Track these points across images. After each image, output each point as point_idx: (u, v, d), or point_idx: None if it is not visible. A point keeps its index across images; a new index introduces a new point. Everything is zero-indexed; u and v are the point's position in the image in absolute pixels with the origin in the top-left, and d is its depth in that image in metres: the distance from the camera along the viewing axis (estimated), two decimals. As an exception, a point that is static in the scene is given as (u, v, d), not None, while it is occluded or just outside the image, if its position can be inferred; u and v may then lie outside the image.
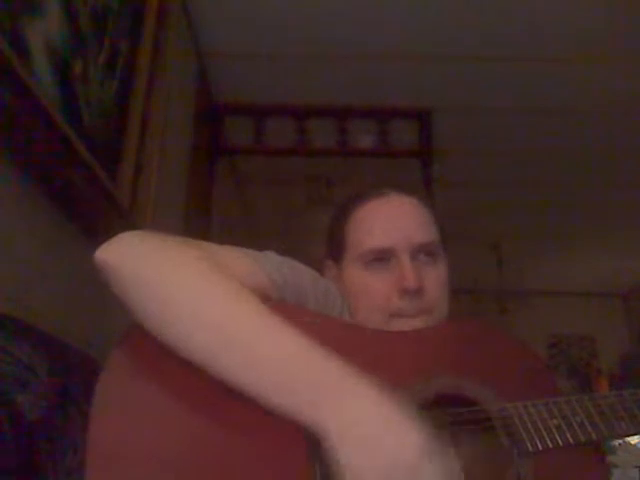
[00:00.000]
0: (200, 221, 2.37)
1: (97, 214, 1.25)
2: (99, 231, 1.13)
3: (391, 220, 0.82)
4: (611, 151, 2.83)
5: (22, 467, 0.73)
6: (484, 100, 2.52)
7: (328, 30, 2.15)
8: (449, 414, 0.67)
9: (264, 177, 3.03)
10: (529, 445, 0.64)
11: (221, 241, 0.75)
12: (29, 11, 1.00)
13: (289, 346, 0.58)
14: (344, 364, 0.57)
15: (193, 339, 0.60)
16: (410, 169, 2.55)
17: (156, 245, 0.67)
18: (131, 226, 1.41)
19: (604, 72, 2.32)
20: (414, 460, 0.52)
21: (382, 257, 0.80)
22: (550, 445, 0.65)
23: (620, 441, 1.59)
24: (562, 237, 3.94)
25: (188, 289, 0.62)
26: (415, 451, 0.53)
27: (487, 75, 2.38)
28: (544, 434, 0.65)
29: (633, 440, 1.62)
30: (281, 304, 0.71)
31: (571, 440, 0.65)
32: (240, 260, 0.73)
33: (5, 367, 0.75)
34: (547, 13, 2.03)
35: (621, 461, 1.56)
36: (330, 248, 0.89)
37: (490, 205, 3.44)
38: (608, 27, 2.08)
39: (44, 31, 1.05)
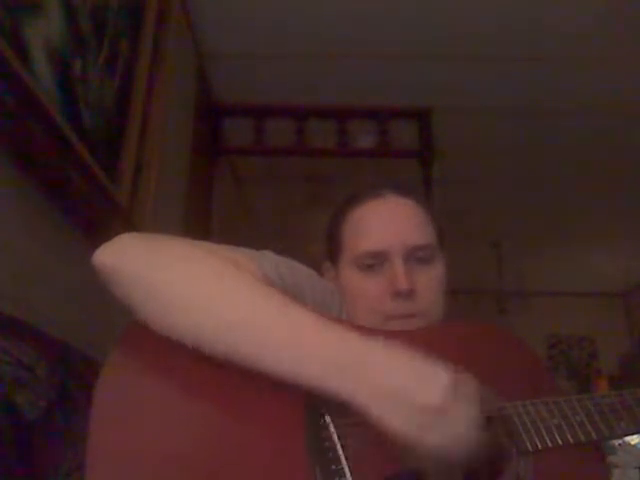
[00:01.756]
0: (200, 221, 2.37)
1: (97, 214, 1.25)
2: (99, 231, 1.14)
3: (386, 222, 0.82)
4: (611, 151, 2.83)
5: (22, 467, 0.73)
6: (484, 100, 2.52)
7: (328, 30, 2.15)
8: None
9: (264, 177, 3.03)
10: (528, 444, 0.64)
11: (221, 241, 0.75)
12: (29, 11, 1.00)
13: (306, 322, 0.60)
14: (359, 332, 0.60)
15: (208, 331, 0.60)
16: (410, 169, 2.55)
17: (155, 246, 0.67)
18: (131, 226, 1.41)
19: (604, 72, 2.32)
20: (440, 400, 0.55)
21: (376, 260, 0.80)
22: (550, 444, 0.64)
23: (620, 441, 1.59)
24: (562, 237, 3.94)
25: (194, 282, 0.62)
26: (440, 392, 0.55)
27: (487, 75, 2.38)
28: (544, 433, 0.65)
29: (633, 440, 1.62)
30: None
31: (571, 440, 0.65)
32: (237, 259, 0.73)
33: (5, 367, 0.75)
34: (547, 13, 2.03)
35: (621, 461, 1.55)
36: (328, 249, 0.89)
37: (490, 205, 3.44)
38: (608, 27, 2.08)
39: (44, 31, 1.05)
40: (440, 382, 0.56)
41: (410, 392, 0.56)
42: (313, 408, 0.61)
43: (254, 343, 0.59)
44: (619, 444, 1.57)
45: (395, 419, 0.55)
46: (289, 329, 0.59)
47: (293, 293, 0.76)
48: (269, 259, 0.77)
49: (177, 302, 0.61)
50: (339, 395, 0.57)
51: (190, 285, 0.62)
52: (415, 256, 0.80)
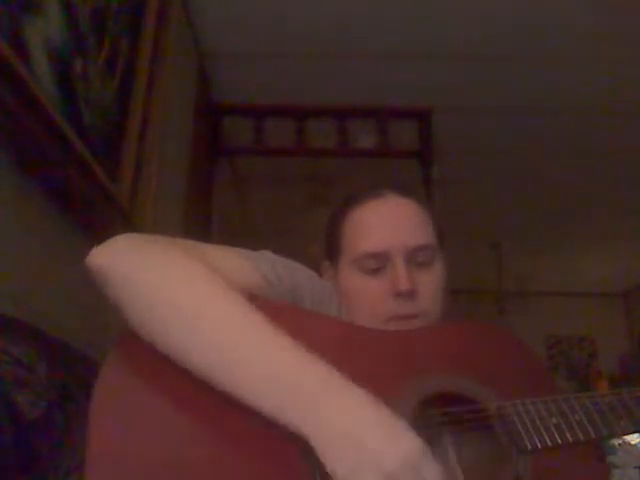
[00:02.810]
0: (200, 221, 2.37)
1: (97, 214, 1.25)
2: (99, 231, 1.13)
3: (386, 223, 0.82)
4: (611, 151, 2.83)
5: (22, 467, 0.73)
6: (484, 100, 2.52)
7: (328, 30, 2.15)
8: (448, 413, 0.67)
9: (264, 177, 3.03)
10: (528, 444, 0.64)
11: (221, 241, 0.75)
12: (29, 11, 1.00)
13: (271, 348, 0.58)
14: (330, 369, 0.57)
15: (174, 339, 0.60)
16: (410, 169, 2.55)
17: (147, 248, 0.67)
18: (131, 226, 1.41)
19: (604, 72, 2.32)
20: (395, 469, 0.51)
21: (377, 260, 0.79)
22: (549, 444, 0.65)
23: (620, 441, 1.59)
24: (562, 237, 3.95)
25: (173, 292, 0.62)
26: (396, 460, 0.51)
27: (487, 75, 2.38)
28: (543, 433, 0.65)
29: (633, 440, 1.62)
30: (270, 303, 0.70)
31: (570, 439, 0.65)
32: (234, 260, 0.73)
33: (5, 367, 0.75)
34: (547, 13, 2.03)
35: (621, 461, 1.55)
36: (327, 249, 0.89)
37: (490, 205, 3.44)
38: (608, 27, 2.08)
39: (44, 31, 1.05)
40: (404, 448, 0.52)
41: (364, 447, 0.52)
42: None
43: (221, 368, 0.58)
44: (619, 444, 1.57)
45: (342, 470, 0.51)
46: (254, 349, 0.58)
47: (291, 292, 0.76)
48: (267, 259, 0.77)
49: (159, 313, 0.61)
50: (289, 425, 0.55)
51: (174, 298, 0.61)
52: (416, 257, 0.79)
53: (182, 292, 0.62)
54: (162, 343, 0.60)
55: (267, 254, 0.79)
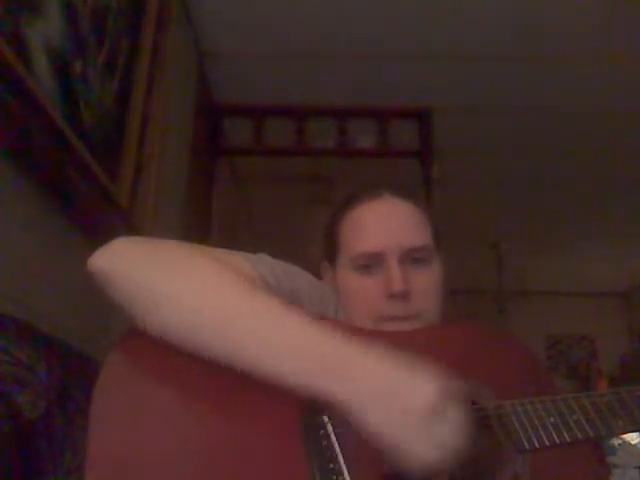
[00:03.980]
0: (200, 221, 2.37)
1: (97, 214, 1.25)
2: (99, 231, 1.14)
3: (382, 224, 0.82)
4: (611, 151, 2.83)
5: (22, 467, 0.73)
6: (484, 100, 2.52)
7: (328, 30, 2.15)
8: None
9: (264, 177, 3.03)
10: (526, 443, 0.65)
11: (221, 241, 0.75)
12: (29, 11, 1.00)
13: (294, 324, 0.60)
14: (350, 335, 0.60)
15: (200, 332, 0.60)
16: (410, 169, 2.55)
17: (149, 250, 0.68)
18: (131, 226, 1.41)
19: (604, 72, 2.32)
20: (427, 408, 0.54)
21: (372, 261, 0.80)
22: (547, 443, 0.65)
23: (620, 441, 1.59)
24: (562, 237, 3.95)
25: (185, 285, 0.62)
26: (427, 399, 0.55)
27: (487, 75, 2.38)
28: (541, 432, 0.65)
29: (633, 440, 1.62)
30: None
31: (568, 438, 0.65)
32: (233, 262, 0.73)
33: (5, 367, 0.75)
34: (547, 13, 2.03)
35: (621, 461, 1.56)
36: (326, 249, 0.89)
37: (490, 205, 3.44)
38: (608, 27, 2.08)
39: (44, 31, 1.05)
40: (428, 387, 0.56)
41: (394, 393, 0.55)
42: (311, 407, 0.61)
43: (244, 345, 0.59)
44: (619, 444, 1.57)
45: (375, 419, 0.55)
46: (273, 328, 0.60)
47: (289, 295, 0.76)
48: (266, 262, 0.77)
49: (172, 306, 0.61)
50: (321, 394, 0.57)
51: (185, 289, 0.62)
52: (411, 257, 0.80)
53: (192, 287, 0.62)
54: (181, 340, 0.61)
55: (265, 257, 0.79)
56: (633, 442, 1.61)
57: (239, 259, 0.74)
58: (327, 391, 0.56)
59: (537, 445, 0.64)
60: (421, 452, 0.54)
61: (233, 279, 0.64)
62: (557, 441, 0.65)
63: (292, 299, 0.76)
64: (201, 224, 2.39)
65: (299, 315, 0.61)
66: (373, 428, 0.55)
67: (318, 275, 0.87)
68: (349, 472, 0.57)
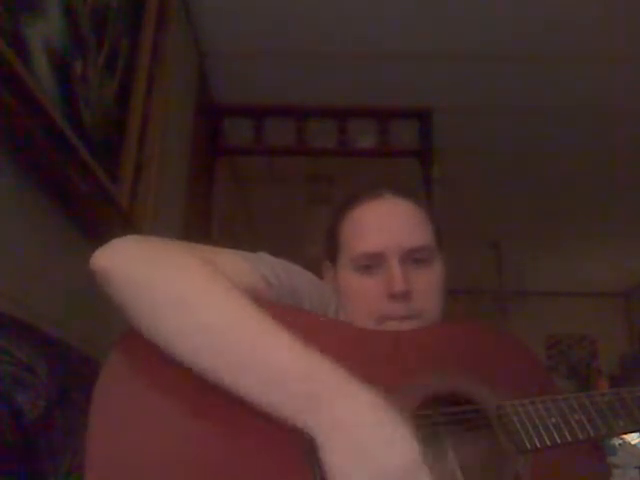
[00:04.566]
0: (200, 221, 2.37)
1: (97, 214, 1.25)
2: (99, 231, 1.14)
3: (382, 224, 0.82)
4: (611, 151, 2.83)
5: (22, 467, 0.73)
6: (484, 100, 2.52)
7: (328, 30, 2.15)
8: (447, 413, 0.67)
9: (264, 177, 3.03)
10: (527, 444, 0.64)
11: (221, 241, 0.75)
12: (29, 11, 1.00)
13: (281, 347, 0.58)
14: (336, 366, 0.57)
15: (183, 340, 0.60)
16: (410, 169, 2.55)
17: (149, 249, 0.68)
18: (131, 226, 1.41)
19: (604, 72, 2.32)
20: (400, 472, 0.52)
21: (373, 261, 0.79)
22: (548, 444, 0.65)
23: (620, 441, 1.59)
24: (562, 237, 3.95)
25: (179, 290, 0.62)
26: (402, 462, 0.52)
27: (487, 75, 2.38)
28: (542, 433, 0.65)
29: (633, 440, 1.62)
30: (273, 304, 0.70)
31: (569, 438, 0.65)
32: (234, 262, 0.73)
33: (5, 367, 0.75)
34: (547, 13, 2.03)
35: (621, 461, 1.56)
36: (327, 249, 0.89)
37: (490, 205, 3.44)
38: (608, 27, 2.08)
39: (44, 31, 1.05)
40: (405, 452, 0.53)
41: (372, 450, 0.53)
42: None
43: (225, 364, 0.58)
44: (619, 444, 1.57)
45: (351, 473, 0.52)
46: (264, 349, 0.58)
47: (290, 295, 0.76)
48: (266, 261, 0.77)
49: (161, 308, 0.61)
50: (293, 422, 0.55)
51: (176, 292, 0.62)
52: (412, 257, 0.79)
53: (188, 293, 0.62)
54: (167, 344, 0.60)
55: (265, 256, 0.79)
56: (633, 442, 1.61)
57: (239, 260, 0.74)
58: (299, 422, 0.55)
59: (538, 445, 0.64)
60: None
61: (221, 289, 0.62)
62: (558, 441, 0.65)
63: (293, 298, 0.76)
64: (201, 224, 2.39)
65: (285, 338, 0.59)
66: (342, 473, 0.52)
67: (318, 274, 0.87)
68: None
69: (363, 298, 0.80)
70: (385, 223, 0.82)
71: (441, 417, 0.66)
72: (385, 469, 0.52)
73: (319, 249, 0.94)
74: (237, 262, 0.73)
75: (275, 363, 0.57)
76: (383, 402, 0.56)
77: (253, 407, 0.57)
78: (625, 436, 1.54)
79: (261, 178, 3.06)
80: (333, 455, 0.53)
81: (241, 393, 0.57)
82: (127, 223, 1.40)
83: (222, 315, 0.60)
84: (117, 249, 0.66)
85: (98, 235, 0.70)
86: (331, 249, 0.87)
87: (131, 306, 0.62)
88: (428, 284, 0.80)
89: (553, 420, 0.66)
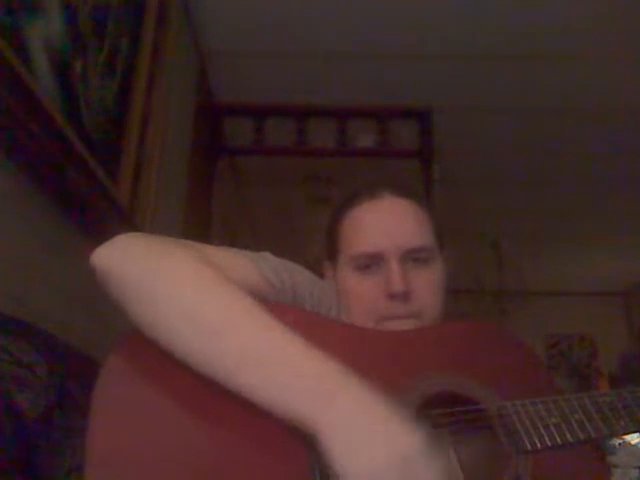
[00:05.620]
0: (200, 221, 2.37)
1: (97, 214, 1.25)
2: (99, 231, 1.13)
3: (382, 224, 0.82)
4: (611, 151, 2.83)
5: (22, 467, 0.73)
6: (484, 100, 2.52)
7: (328, 30, 2.15)
8: (448, 413, 0.67)
9: (264, 177, 3.03)
10: (528, 444, 0.64)
11: (221, 241, 0.75)
12: (29, 11, 1.00)
13: (282, 346, 0.58)
14: (338, 364, 0.57)
15: (183, 338, 0.60)
16: (410, 169, 2.55)
17: (148, 246, 0.67)
18: (131, 226, 1.41)
19: (604, 72, 2.32)
20: (404, 462, 0.51)
21: (372, 261, 0.79)
22: (549, 444, 0.64)
23: (620, 441, 1.59)
24: (562, 237, 3.95)
25: (177, 288, 0.62)
26: (406, 452, 0.52)
27: (487, 75, 2.38)
28: (543, 433, 0.65)
29: (633, 440, 1.61)
30: (274, 304, 0.70)
31: (570, 439, 0.65)
32: (236, 261, 0.73)
33: (5, 367, 0.75)
34: (547, 13, 2.03)
35: (621, 461, 1.55)
36: (327, 249, 0.89)
37: (490, 205, 3.44)
38: (608, 27, 2.08)
39: (44, 31, 1.05)
40: (402, 440, 0.53)
41: (375, 445, 0.52)
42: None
43: (228, 364, 0.58)
44: (619, 444, 1.57)
45: (355, 469, 0.51)
46: (265, 348, 0.58)
47: (292, 294, 0.76)
48: (268, 261, 0.77)
49: (161, 307, 0.61)
50: (298, 420, 0.55)
51: (177, 291, 0.61)
52: (411, 257, 0.79)
53: (187, 292, 0.62)
54: (169, 342, 0.60)
55: (267, 255, 0.79)
56: (633, 442, 1.61)
57: (242, 259, 0.74)
58: (305, 417, 0.55)
59: (539, 446, 0.64)
60: None
61: (223, 287, 0.62)
62: (559, 441, 0.65)
63: (294, 298, 0.76)
64: (201, 224, 2.38)
65: (291, 337, 0.59)
66: (346, 470, 0.52)
67: (319, 274, 0.87)
68: None
69: (362, 298, 0.80)
70: (384, 223, 0.82)
71: (442, 417, 0.66)
72: (388, 461, 0.52)
73: (319, 249, 0.94)
74: (238, 261, 0.73)
75: (279, 362, 0.57)
76: (384, 399, 0.56)
77: (254, 406, 0.57)
78: (625, 436, 1.54)
79: (261, 178, 3.06)
80: (335, 452, 0.52)
81: (244, 392, 0.57)
82: (127, 223, 1.40)
83: (225, 313, 0.60)
84: (116, 246, 0.66)
85: (98, 235, 0.70)
86: (331, 249, 0.87)
87: (131, 303, 0.62)
88: (427, 284, 0.80)
89: (554, 420, 0.66)
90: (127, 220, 1.41)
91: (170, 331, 0.60)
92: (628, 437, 1.54)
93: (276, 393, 0.56)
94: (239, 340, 0.59)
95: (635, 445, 1.59)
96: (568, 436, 0.65)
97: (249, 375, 0.57)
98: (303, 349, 0.58)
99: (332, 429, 0.53)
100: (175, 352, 0.60)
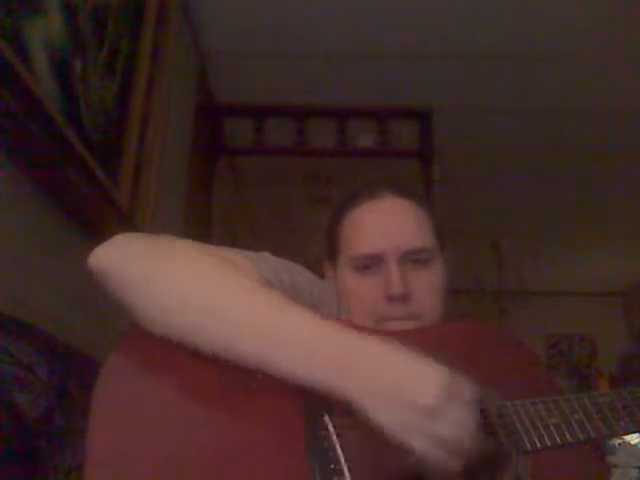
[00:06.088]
0: (200, 221, 2.37)
1: (97, 214, 1.25)
2: (99, 231, 1.13)
3: (381, 225, 0.82)
4: (611, 151, 2.83)
5: (22, 467, 0.73)
6: (484, 100, 2.52)
7: (328, 30, 2.15)
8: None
9: (264, 177, 3.03)
10: (528, 444, 0.64)
11: (221, 241, 0.75)
12: (29, 11, 1.00)
13: (305, 320, 0.60)
14: (357, 331, 0.60)
15: (204, 329, 0.60)
16: (410, 169, 2.55)
17: (151, 247, 0.68)
18: (131, 226, 1.41)
19: (604, 72, 2.32)
20: (432, 401, 0.54)
21: (372, 262, 0.79)
22: (549, 444, 0.64)
23: (620, 441, 1.59)
24: (562, 237, 3.94)
25: (192, 282, 0.62)
26: (434, 391, 0.54)
27: (487, 75, 2.38)
28: (543, 433, 0.65)
29: (633, 440, 1.61)
30: None
31: (570, 439, 0.65)
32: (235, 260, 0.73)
33: (5, 367, 0.75)
34: (547, 13, 2.03)
35: (621, 461, 1.55)
36: (327, 249, 0.89)
37: (490, 205, 3.44)
38: (608, 27, 2.08)
39: (44, 31, 1.05)
40: (435, 382, 0.55)
41: (402, 389, 0.55)
42: (312, 408, 0.61)
43: (253, 341, 0.59)
44: (619, 444, 1.57)
45: (385, 416, 0.54)
46: (287, 328, 0.59)
47: (291, 294, 0.76)
48: (267, 261, 0.77)
49: (174, 303, 0.61)
50: (334, 392, 0.57)
51: (188, 285, 0.62)
52: (411, 258, 0.79)
53: (199, 280, 0.62)
54: (186, 335, 0.60)
55: (267, 255, 0.79)
56: (633, 442, 1.61)
57: (241, 258, 0.74)
58: (340, 389, 0.56)
59: (539, 446, 0.64)
60: (420, 449, 0.54)
61: (235, 275, 0.64)
62: (559, 442, 0.65)
63: (294, 297, 0.76)
64: (201, 224, 2.38)
65: (302, 310, 0.61)
66: (384, 426, 0.55)
67: (319, 274, 0.87)
68: (350, 472, 0.57)
69: (362, 299, 0.80)
70: (384, 224, 0.82)
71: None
72: (419, 402, 0.54)
73: (319, 249, 0.94)
74: (238, 261, 0.73)
75: (305, 334, 0.59)
76: (407, 349, 0.58)
77: (256, 403, 0.58)
78: (625, 436, 1.54)
79: (261, 178, 3.06)
80: (371, 409, 0.55)
81: (272, 369, 0.58)
82: (127, 223, 1.40)
83: (240, 296, 0.62)
84: (115, 245, 0.66)
85: (98, 235, 0.70)
86: (331, 249, 0.87)
87: (134, 301, 0.62)
88: (427, 285, 0.80)
89: (554, 420, 0.66)
90: (127, 220, 1.41)
91: (187, 326, 0.60)
92: (628, 437, 1.54)
93: (307, 366, 0.58)
94: (261, 321, 0.60)
95: (635, 445, 1.59)
96: (568, 436, 0.65)
97: (280, 352, 0.58)
98: (323, 321, 0.60)
99: (363, 388, 0.56)
100: (197, 344, 0.60)
